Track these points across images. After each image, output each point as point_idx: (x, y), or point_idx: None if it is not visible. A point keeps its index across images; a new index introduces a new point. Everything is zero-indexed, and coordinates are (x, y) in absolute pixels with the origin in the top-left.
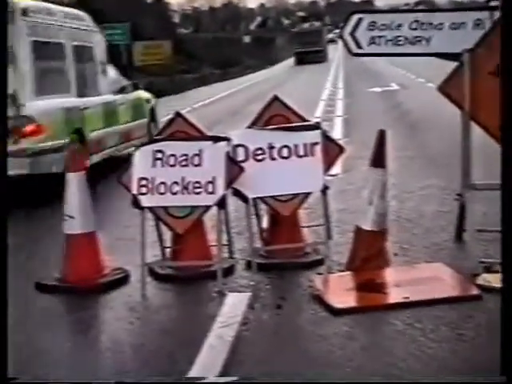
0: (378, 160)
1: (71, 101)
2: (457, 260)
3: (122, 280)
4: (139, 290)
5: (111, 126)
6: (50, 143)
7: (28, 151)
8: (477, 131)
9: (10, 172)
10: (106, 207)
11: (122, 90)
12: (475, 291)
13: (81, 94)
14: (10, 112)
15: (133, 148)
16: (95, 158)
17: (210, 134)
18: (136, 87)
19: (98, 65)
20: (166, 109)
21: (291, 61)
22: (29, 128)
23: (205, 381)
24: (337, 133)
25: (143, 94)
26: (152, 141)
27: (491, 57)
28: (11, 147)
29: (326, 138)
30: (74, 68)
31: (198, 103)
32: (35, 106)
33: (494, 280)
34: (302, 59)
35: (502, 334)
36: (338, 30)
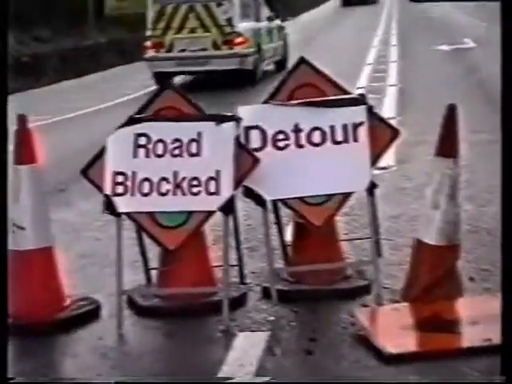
0: (447, 147)
1: (254, 24)
2: None
3: (91, 314)
4: (114, 328)
5: (270, 43)
6: (250, 50)
7: (238, 54)
8: None
9: (225, 67)
10: (69, 213)
11: (269, 19)
12: None
13: (256, 20)
14: (227, 30)
15: None
16: (265, 65)
17: (211, 111)
18: (276, 17)
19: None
20: (147, 78)
21: (325, 8)
22: (238, 40)
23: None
24: (388, 109)
25: (279, 23)
26: (132, 120)
27: None
28: (226, 51)
29: (374, 116)
30: (252, 3)
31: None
32: (241, 26)
33: None
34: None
35: (502, 334)
36: None
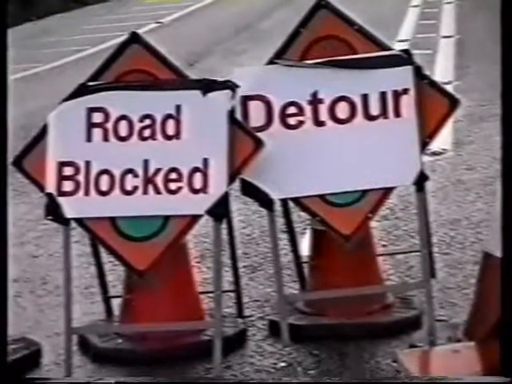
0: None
1: None
2: None
3: (27, 362)
4: (61, 381)
5: None
6: None
7: None
8: None
9: None
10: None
11: None
12: None
13: None
14: None
15: None
16: None
17: (193, 76)
18: None
19: None
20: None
21: None
22: None
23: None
24: (443, 71)
25: None
26: (84, 89)
27: None
28: None
29: (423, 80)
30: None
31: (168, 14)
32: None
33: None
34: None
35: (502, 334)
36: None
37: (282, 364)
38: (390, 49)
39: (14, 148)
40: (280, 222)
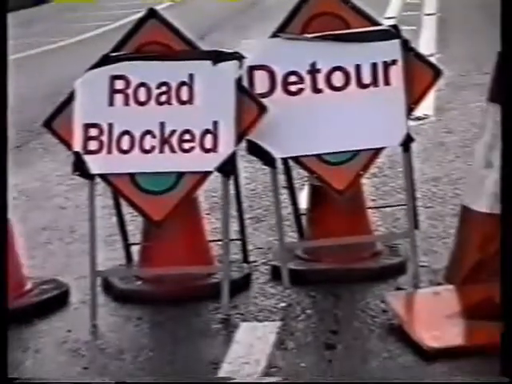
0: (501, 90)
1: None
2: None
3: (57, 301)
4: (86, 318)
5: None
6: None
7: None
8: None
9: None
10: (27, 176)
11: None
12: None
13: None
14: None
15: None
16: None
17: (206, 47)
18: None
19: None
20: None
21: None
22: None
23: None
24: (426, 44)
25: None
26: (107, 59)
27: None
28: None
29: (410, 52)
30: None
31: None
32: None
33: None
34: None
35: (502, 334)
36: None
37: (283, 304)
38: (380, 24)
39: (44, 111)
40: (281, 178)
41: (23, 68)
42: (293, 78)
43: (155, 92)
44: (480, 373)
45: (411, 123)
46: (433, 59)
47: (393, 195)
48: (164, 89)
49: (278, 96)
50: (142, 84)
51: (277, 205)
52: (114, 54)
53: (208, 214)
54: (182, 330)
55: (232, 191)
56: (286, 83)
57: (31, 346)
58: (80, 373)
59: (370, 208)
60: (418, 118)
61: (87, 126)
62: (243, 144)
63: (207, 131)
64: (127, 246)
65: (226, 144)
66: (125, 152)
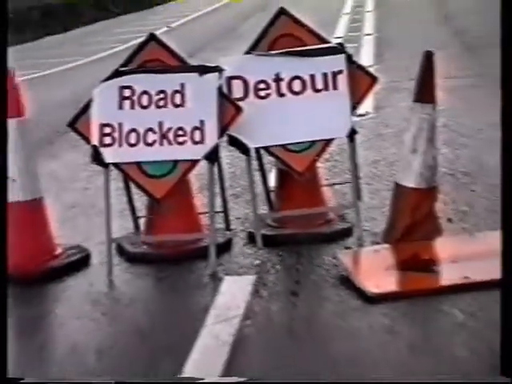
0: (424, 92)
1: None
2: None
3: (81, 262)
4: (104, 275)
5: None
6: None
7: None
8: None
9: None
10: (57, 165)
11: None
12: None
13: None
14: None
15: None
16: None
17: (194, 62)
18: None
19: None
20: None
21: None
22: None
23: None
24: (366, 57)
25: None
26: (117, 73)
27: None
28: None
29: (353, 64)
30: None
31: (176, 21)
32: None
33: None
34: None
35: (502, 334)
36: None
37: (257, 262)
38: (330, 42)
39: (68, 115)
40: (254, 163)
41: (53, 81)
42: (262, 86)
43: (155, 98)
44: (412, 312)
45: (355, 119)
46: (371, 69)
47: (341, 175)
48: (162, 95)
49: (251, 100)
50: (145, 92)
51: (251, 184)
52: (122, 69)
53: (198, 193)
54: (179, 283)
55: (216, 174)
56: (256, 89)
57: (61, 297)
58: (99, 319)
59: (323, 186)
60: (361, 115)
61: (102, 126)
62: (224, 137)
63: (196, 128)
64: (135, 219)
65: (211, 137)
66: (132, 145)
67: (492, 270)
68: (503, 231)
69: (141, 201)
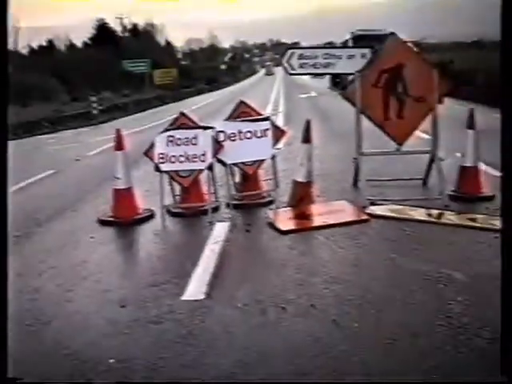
0: (306, 138)
1: None
2: (354, 198)
3: (150, 217)
4: (161, 222)
5: None
6: None
7: None
8: (365, 121)
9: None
10: (140, 171)
11: None
12: (365, 217)
13: None
14: None
15: None
16: None
17: (202, 124)
18: None
19: None
20: (173, 111)
21: (251, 79)
22: None
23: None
24: (280, 122)
25: None
26: (165, 130)
27: (372, 75)
28: None
29: (274, 125)
30: None
31: (193, 106)
32: None
33: (377, 210)
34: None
35: (502, 334)
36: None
37: (230, 216)
38: (263, 115)
39: (143, 149)
40: (229, 170)
41: (136, 134)
42: (232, 135)
43: (183, 140)
44: (302, 239)
45: (275, 150)
46: (283, 127)
47: (269, 175)
48: (186, 140)
49: (227, 142)
50: (179, 138)
51: (227, 181)
52: (168, 128)
53: (204, 183)
54: (195, 225)
55: (211, 175)
56: (229, 137)
57: (140, 232)
58: (158, 242)
59: (262, 180)
60: (278, 148)
61: (159, 153)
62: (215, 158)
63: (202, 154)
64: (174, 196)
65: (209, 159)
66: (173, 162)
67: (336, 218)
68: (503, 231)
69: (177, 188)
